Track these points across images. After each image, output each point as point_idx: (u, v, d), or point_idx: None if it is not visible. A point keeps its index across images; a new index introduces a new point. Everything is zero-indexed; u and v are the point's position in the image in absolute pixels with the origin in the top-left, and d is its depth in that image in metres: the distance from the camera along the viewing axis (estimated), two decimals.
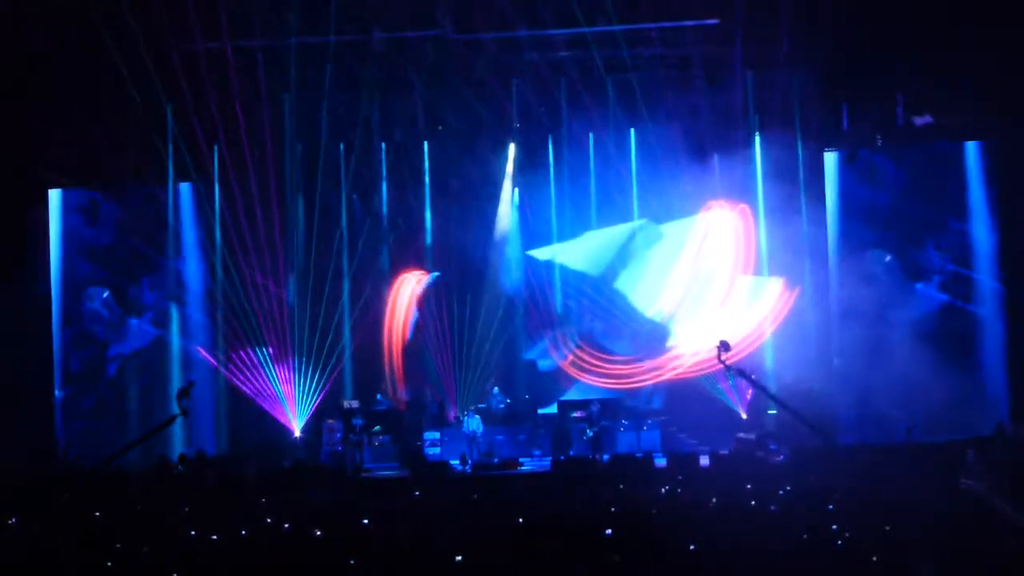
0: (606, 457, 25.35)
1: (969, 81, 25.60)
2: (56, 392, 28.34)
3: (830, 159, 28.10)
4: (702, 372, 26.66)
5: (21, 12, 24.96)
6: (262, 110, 27.56)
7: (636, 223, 27.96)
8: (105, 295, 28.58)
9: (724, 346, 24.08)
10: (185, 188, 28.50)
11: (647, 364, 27.45)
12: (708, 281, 27.19)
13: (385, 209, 28.78)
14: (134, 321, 28.55)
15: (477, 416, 26.61)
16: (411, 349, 28.54)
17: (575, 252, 28.22)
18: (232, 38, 26.38)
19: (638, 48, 27.10)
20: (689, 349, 26.88)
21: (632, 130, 28.49)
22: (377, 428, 26.89)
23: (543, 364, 28.51)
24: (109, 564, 14.29)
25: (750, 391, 26.93)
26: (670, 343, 27.57)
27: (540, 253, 28.44)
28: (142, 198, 28.67)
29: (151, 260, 28.58)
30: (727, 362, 24.27)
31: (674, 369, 27.19)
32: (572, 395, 27.94)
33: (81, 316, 28.66)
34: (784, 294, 26.92)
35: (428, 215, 28.98)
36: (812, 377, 26.64)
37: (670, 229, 27.81)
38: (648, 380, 27.46)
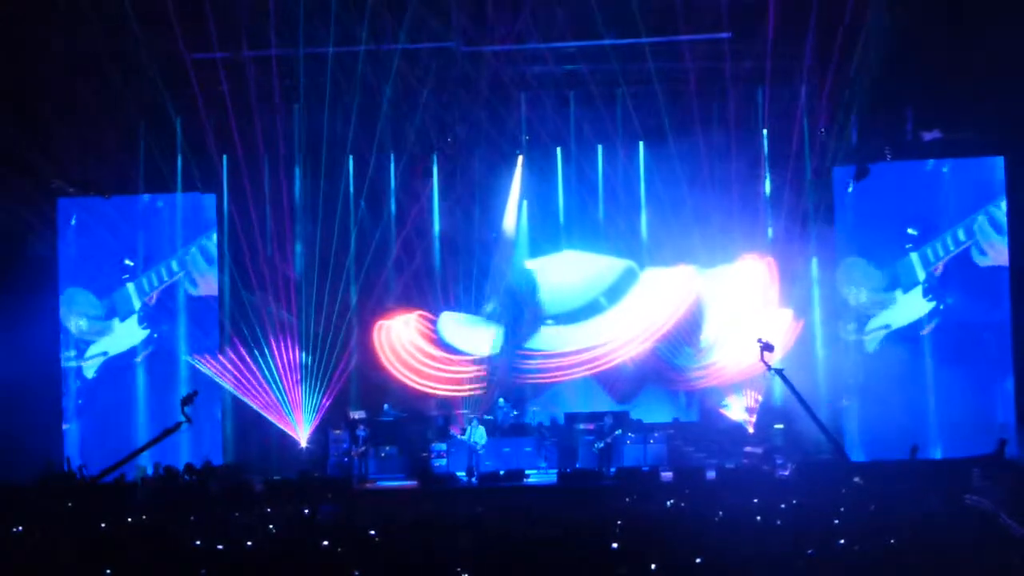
0: (612, 470, 25.36)
1: (981, 96, 25.61)
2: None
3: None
4: (745, 375, 27.03)
5: (30, 21, 25.00)
6: (270, 120, 27.65)
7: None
8: (88, 299, 28.68)
9: (767, 347, 24.20)
10: (194, 197, 28.55)
11: (696, 372, 28.13)
12: (740, 320, 27.64)
13: (393, 220, 28.78)
14: (120, 323, 28.59)
15: (481, 427, 26.46)
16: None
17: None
18: (241, 47, 26.45)
19: (647, 62, 27.07)
20: (731, 360, 27.45)
21: (641, 143, 28.58)
22: (387, 448, 26.95)
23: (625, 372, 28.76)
24: (109, 572, 14.28)
25: (758, 406, 27.13)
26: (714, 358, 28.11)
27: None
28: (149, 206, 28.73)
29: (146, 266, 28.69)
30: (769, 362, 24.42)
31: (719, 376, 27.77)
32: (640, 399, 28.73)
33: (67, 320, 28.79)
34: (792, 324, 27.08)
35: (436, 226, 28.99)
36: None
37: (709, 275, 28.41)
38: (699, 384, 28.13)
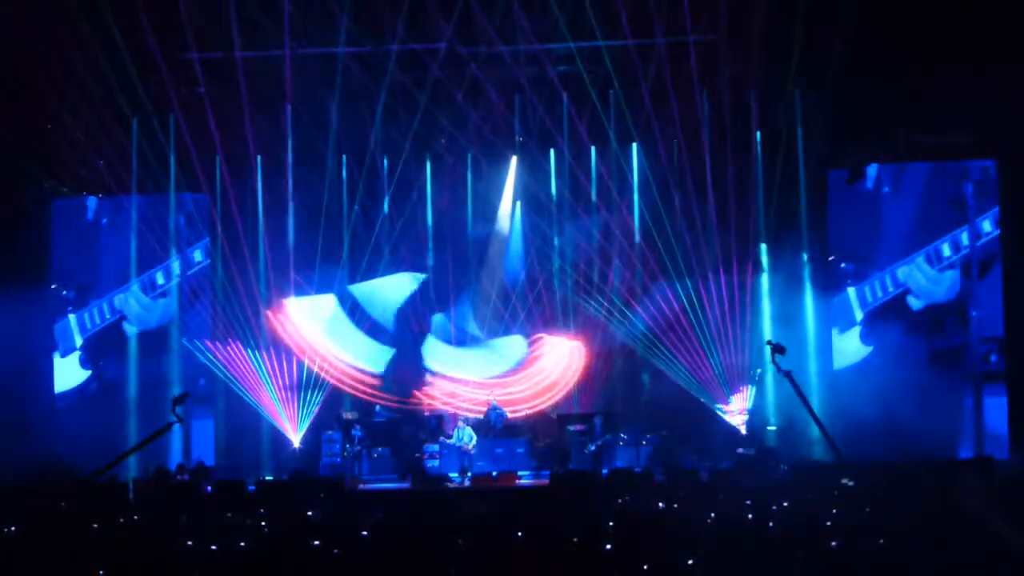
0: (605, 472, 25.37)
1: (977, 98, 25.67)
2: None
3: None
4: (737, 378, 27.40)
5: (22, 24, 24.99)
6: (263, 122, 27.62)
7: None
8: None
9: (778, 348, 24.24)
10: (190, 197, 28.51)
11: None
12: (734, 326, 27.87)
13: (387, 222, 28.76)
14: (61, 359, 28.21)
15: (468, 428, 26.41)
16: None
17: None
18: (234, 49, 26.44)
19: (640, 63, 27.06)
20: (724, 363, 27.67)
21: (635, 144, 28.60)
22: (380, 449, 26.95)
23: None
24: (101, 573, 14.28)
25: (751, 408, 27.22)
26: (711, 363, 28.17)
27: None
28: (141, 208, 28.70)
29: (89, 297, 28.55)
30: (778, 363, 24.49)
31: (714, 378, 27.90)
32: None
33: None
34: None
35: (430, 229, 28.97)
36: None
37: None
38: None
